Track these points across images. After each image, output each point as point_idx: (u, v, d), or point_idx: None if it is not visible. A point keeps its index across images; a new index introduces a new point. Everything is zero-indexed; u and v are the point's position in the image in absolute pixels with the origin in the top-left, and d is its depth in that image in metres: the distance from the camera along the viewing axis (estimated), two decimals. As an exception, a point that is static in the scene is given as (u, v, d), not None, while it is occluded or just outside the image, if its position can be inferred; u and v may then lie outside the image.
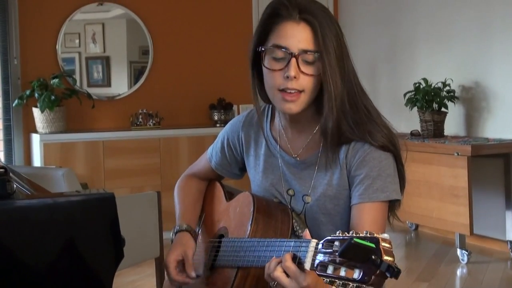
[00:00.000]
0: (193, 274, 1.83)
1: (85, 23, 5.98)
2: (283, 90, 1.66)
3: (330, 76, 1.62)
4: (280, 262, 1.45)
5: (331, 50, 1.62)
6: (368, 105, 1.72)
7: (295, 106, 1.67)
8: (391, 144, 1.70)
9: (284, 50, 1.64)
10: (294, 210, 1.79)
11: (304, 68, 1.64)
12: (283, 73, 1.65)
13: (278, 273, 1.45)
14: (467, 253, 4.75)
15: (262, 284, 1.64)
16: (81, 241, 1.46)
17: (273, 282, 1.49)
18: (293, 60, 1.63)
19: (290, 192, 1.81)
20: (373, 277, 1.23)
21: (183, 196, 2.05)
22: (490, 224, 5.06)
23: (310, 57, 1.64)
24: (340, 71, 1.64)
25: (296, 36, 1.63)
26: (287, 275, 1.44)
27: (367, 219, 1.65)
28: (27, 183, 1.93)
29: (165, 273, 1.88)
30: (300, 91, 1.65)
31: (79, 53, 5.99)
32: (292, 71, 1.63)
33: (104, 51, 6.06)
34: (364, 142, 1.69)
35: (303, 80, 1.65)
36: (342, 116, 1.67)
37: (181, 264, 1.85)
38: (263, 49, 1.69)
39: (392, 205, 1.73)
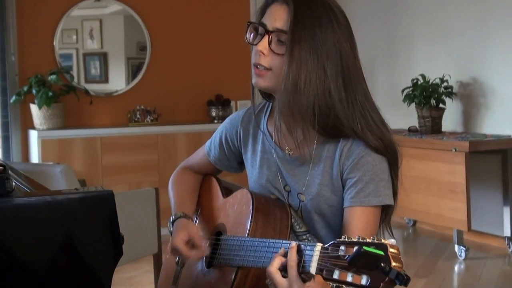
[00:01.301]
0: (207, 247, 1.81)
1: (82, 19, 5.98)
2: (255, 65, 1.70)
3: (288, 58, 1.63)
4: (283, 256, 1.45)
5: (306, 36, 1.63)
6: (367, 104, 1.70)
7: (262, 81, 1.70)
8: (385, 148, 1.68)
9: (262, 26, 1.69)
10: (291, 206, 1.79)
11: (275, 47, 1.67)
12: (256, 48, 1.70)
13: (273, 269, 1.45)
14: (464, 249, 4.76)
15: (263, 283, 1.63)
16: (80, 239, 1.46)
17: (268, 280, 1.49)
18: (266, 36, 1.68)
19: (287, 188, 1.81)
20: (381, 284, 1.22)
21: (178, 189, 2.05)
22: (488, 220, 5.07)
23: (283, 36, 1.66)
24: (317, 62, 1.63)
25: (274, 15, 1.68)
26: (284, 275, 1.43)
27: (358, 223, 1.64)
28: (25, 180, 1.93)
29: (165, 258, 1.85)
30: (268, 69, 1.68)
31: (77, 49, 5.99)
32: (260, 46, 1.68)
33: (102, 47, 6.06)
34: (358, 143, 1.67)
35: (272, 58, 1.68)
36: (332, 108, 1.65)
37: (189, 244, 1.82)
38: (248, 23, 1.74)
39: (386, 211, 1.73)
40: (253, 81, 1.73)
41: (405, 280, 1.21)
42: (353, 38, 1.72)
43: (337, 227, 1.73)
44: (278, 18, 1.67)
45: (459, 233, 4.81)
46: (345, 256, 1.28)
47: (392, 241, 1.27)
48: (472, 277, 4.46)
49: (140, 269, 4.55)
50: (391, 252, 1.24)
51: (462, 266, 4.69)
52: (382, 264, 1.22)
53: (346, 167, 1.69)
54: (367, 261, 1.23)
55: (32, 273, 1.42)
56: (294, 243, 1.46)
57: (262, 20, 1.71)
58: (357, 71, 1.70)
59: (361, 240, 1.28)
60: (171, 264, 2.00)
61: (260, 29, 1.70)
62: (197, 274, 1.86)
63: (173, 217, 1.93)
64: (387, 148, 1.69)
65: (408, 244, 5.54)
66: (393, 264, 1.22)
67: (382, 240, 1.26)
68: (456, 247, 4.82)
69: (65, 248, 1.44)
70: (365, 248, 1.24)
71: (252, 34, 1.74)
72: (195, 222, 2.00)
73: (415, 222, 5.84)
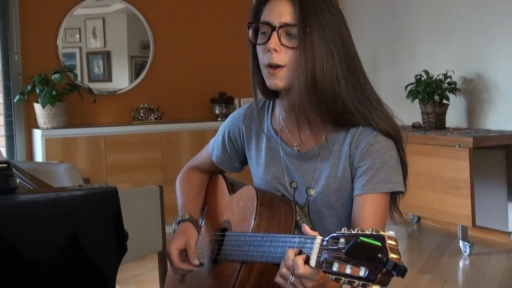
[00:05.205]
0: (196, 262, 1.84)
1: (85, 18, 5.98)
2: (268, 65, 1.68)
3: (303, 48, 1.63)
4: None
5: (313, 25, 1.64)
6: (367, 86, 1.72)
7: (280, 81, 1.68)
8: (392, 128, 1.72)
9: (267, 24, 1.68)
10: (297, 203, 1.79)
11: (286, 41, 1.67)
12: (266, 47, 1.68)
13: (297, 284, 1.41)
14: (469, 244, 4.75)
15: (266, 278, 1.63)
16: (85, 236, 1.46)
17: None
18: (274, 33, 1.66)
19: (293, 184, 1.81)
20: (379, 275, 1.22)
21: (185, 188, 2.06)
22: (492, 216, 5.06)
23: (291, 29, 1.66)
24: (326, 48, 1.65)
25: (278, 10, 1.67)
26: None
27: (368, 210, 1.65)
28: (29, 178, 1.94)
29: (168, 262, 1.88)
30: (283, 66, 1.67)
31: (80, 48, 5.99)
32: (271, 43, 1.66)
33: (105, 46, 6.06)
34: (366, 131, 1.69)
35: (285, 53, 1.67)
36: (339, 93, 1.67)
37: (184, 253, 1.86)
38: (249, 24, 1.74)
39: (394, 198, 1.74)
40: (269, 82, 1.70)
41: (402, 271, 1.21)
42: (346, 21, 1.73)
43: (346, 220, 1.73)
44: (283, 12, 1.66)
45: (464, 229, 4.81)
46: (344, 248, 1.28)
47: (390, 232, 1.27)
48: (477, 272, 4.46)
49: (145, 267, 4.56)
50: (389, 243, 1.24)
51: (467, 262, 4.69)
52: (379, 255, 1.22)
53: (356, 156, 1.70)
54: (363, 252, 1.23)
55: (37, 270, 1.43)
56: (295, 240, 1.46)
57: (262, 19, 1.70)
58: (355, 54, 1.72)
59: (360, 232, 1.28)
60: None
61: (265, 27, 1.69)
62: (203, 270, 1.87)
63: (180, 218, 1.95)
64: (393, 128, 1.72)
65: (412, 240, 5.54)
66: (391, 255, 1.22)
67: (381, 232, 1.26)
68: (461, 243, 4.82)
69: (70, 245, 1.44)
70: (361, 238, 1.24)
71: (253, 32, 1.73)
72: (202, 220, 2.01)
73: (419, 218, 5.84)
